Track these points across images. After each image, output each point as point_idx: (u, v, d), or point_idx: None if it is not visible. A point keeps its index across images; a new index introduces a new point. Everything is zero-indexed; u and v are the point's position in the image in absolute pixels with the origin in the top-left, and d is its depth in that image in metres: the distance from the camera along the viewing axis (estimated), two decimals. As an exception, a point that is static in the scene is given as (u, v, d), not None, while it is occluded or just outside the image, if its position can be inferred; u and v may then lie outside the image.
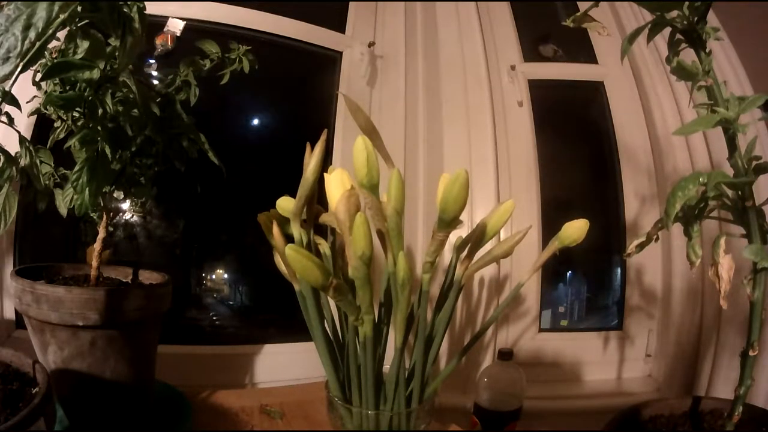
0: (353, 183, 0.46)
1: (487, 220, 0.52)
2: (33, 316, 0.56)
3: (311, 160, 0.48)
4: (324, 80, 1.10)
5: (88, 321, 0.55)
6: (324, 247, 0.53)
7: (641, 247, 0.76)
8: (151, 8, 0.60)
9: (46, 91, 0.58)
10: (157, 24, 0.72)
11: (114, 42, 0.58)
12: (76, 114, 0.57)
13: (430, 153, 1.01)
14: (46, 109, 0.58)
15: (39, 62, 0.54)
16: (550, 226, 0.95)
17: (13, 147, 0.54)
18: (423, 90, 1.03)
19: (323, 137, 0.49)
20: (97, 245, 0.62)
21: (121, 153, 0.58)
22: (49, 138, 0.60)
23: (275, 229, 0.47)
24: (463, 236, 0.55)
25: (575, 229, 0.54)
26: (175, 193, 0.85)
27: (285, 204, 0.53)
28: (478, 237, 0.52)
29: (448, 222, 0.45)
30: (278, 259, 0.53)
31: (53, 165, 0.62)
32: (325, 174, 0.48)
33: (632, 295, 1.15)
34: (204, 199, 0.91)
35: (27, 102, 0.58)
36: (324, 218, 0.52)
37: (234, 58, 0.68)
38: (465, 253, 0.52)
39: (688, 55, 0.76)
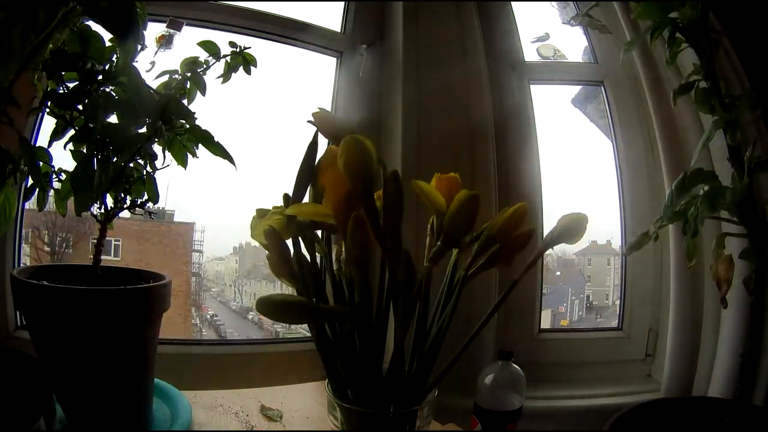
0: (348, 184, 0.45)
1: (494, 222, 0.50)
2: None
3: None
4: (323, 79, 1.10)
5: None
6: (321, 249, 0.52)
7: (641, 244, 0.76)
8: (151, 8, 0.61)
9: (46, 90, 0.58)
10: (157, 24, 0.72)
11: (113, 41, 0.58)
12: (75, 113, 0.57)
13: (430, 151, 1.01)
14: (47, 107, 0.58)
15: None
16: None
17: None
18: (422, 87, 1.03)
19: (314, 139, 0.49)
20: (98, 245, 0.62)
21: (121, 152, 0.58)
22: (49, 137, 0.60)
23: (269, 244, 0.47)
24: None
25: (573, 224, 0.50)
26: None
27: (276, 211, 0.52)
28: (484, 241, 0.50)
29: (451, 241, 0.45)
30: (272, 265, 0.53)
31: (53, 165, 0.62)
32: (320, 175, 0.48)
33: (632, 295, 1.15)
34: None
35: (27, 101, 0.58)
36: (320, 220, 0.51)
37: (234, 58, 0.68)
38: (469, 258, 0.51)
39: (688, 55, 0.77)
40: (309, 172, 0.49)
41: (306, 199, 0.50)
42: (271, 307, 0.41)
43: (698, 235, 0.69)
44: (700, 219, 0.63)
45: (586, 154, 1.27)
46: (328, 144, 0.51)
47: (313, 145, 0.50)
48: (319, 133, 0.50)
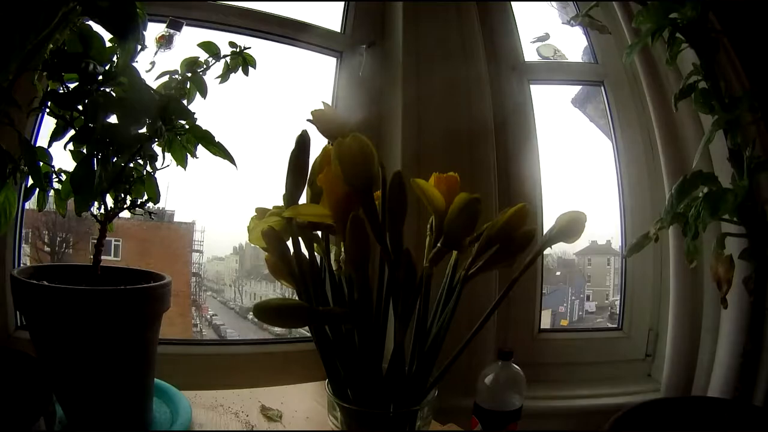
0: (346, 183, 0.45)
1: (495, 223, 0.50)
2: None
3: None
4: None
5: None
6: (319, 249, 0.52)
7: (641, 246, 0.76)
8: (151, 8, 0.61)
9: (46, 90, 0.58)
10: (157, 24, 0.72)
11: (113, 41, 0.58)
12: (75, 114, 0.57)
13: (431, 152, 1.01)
14: (47, 108, 0.58)
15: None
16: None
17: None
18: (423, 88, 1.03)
19: (307, 136, 0.49)
20: (98, 245, 0.62)
21: (121, 152, 0.58)
22: (49, 138, 0.60)
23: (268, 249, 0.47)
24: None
25: (571, 223, 0.49)
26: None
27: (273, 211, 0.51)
28: (484, 242, 0.50)
29: (452, 243, 0.45)
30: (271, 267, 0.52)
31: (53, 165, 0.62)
32: (318, 175, 0.48)
33: (632, 295, 1.15)
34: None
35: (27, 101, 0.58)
36: (318, 221, 0.50)
37: (234, 58, 0.68)
38: (470, 258, 0.51)
39: (688, 55, 0.77)
40: (301, 172, 0.49)
41: (303, 199, 0.50)
42: (268, 312, 0.41)
43: (700, 233, 0.69)
44: (701, 222, 0.63)
45: (586, 154, 1.27)
46: (328, 143, 0.51)
47: (302, 145, 0.49)
48: (310, 132, 0.49)
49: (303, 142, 0.49)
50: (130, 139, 0.58)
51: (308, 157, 0.50)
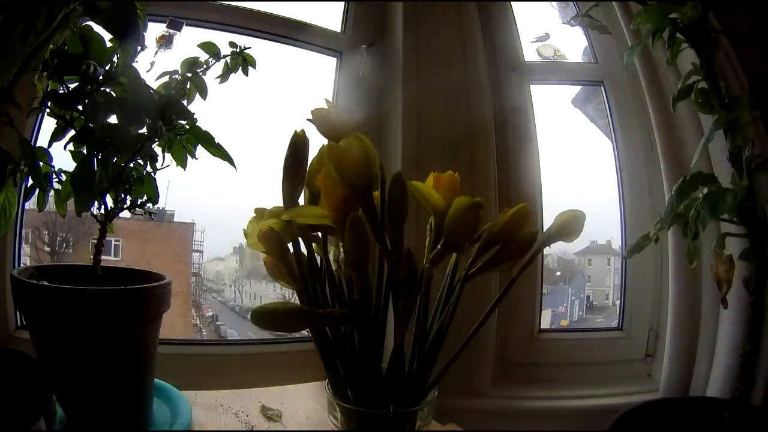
0: (346, 183, 0.45)
1: (495, 223, 0.49)
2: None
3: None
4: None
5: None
6: (319, 250, 0.52)
7: (641, 247, 0.76)
8: (151, 8, 0.61)
9: (46, 90, 0.58)
10: (157, 24, 0.72)
11: (114, 42, 0.58)
12: (75, 114, 0.57)
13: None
14: (47, 108, 0.58)
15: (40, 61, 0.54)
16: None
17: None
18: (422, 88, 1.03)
19: (302, 137, 0.49)
20: (98, 245, 0.62)
21: (121, 152, 0.58)
22: (49, 138, 0.60)
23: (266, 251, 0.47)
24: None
25: (570, 222, 0.49)
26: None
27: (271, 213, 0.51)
28: (484, 243, 0.50)
29: (452, 247, 0.45)
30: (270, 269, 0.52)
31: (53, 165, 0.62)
32: (317, 176, 0.48)
33: (632, 295, 1.15)
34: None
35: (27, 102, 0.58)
36: (317, 222, 0.50)
37: (234, 58, 0.68)
38: (470, 259, 0.51)
39: (687, 55, 0.77)
40: (297, 173, 0.49)
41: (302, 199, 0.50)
42: (268, 317, 0.41)
43: (699, 234, 0.69)
44: (701, 222, 0.63)
45: (586, 154, 1.27)
46: (329, 143, 0.51)
47: (298, 146, 0.49)
48: (309, 132, 0.50)
49: (298, 143, 0.49)
50: (130, 139, 0.58)
51: (305, 158, 0.50)
